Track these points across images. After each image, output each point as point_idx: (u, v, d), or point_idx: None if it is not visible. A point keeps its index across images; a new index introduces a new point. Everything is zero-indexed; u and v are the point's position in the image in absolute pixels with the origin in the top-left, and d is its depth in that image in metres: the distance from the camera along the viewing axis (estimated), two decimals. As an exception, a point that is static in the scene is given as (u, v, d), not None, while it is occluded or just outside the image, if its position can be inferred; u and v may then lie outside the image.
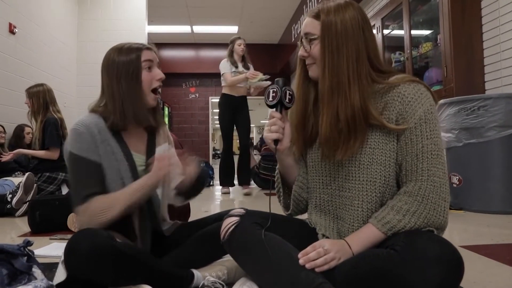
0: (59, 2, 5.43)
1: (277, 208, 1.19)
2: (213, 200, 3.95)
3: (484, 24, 3.08)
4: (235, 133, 4.31)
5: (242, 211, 1.08)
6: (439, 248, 0.84)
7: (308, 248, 0.94)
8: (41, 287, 1.03)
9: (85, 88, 5.86)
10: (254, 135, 20.20)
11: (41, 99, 3.23)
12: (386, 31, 4.44)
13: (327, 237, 1.09)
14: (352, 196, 1.04)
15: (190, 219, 2.05)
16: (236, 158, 4.45)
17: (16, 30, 4.28)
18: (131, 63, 1.26)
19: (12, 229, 2.48)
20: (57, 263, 1.16)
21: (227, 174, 4.33)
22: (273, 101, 1.08)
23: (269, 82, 2.99)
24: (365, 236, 0.97)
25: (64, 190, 3.18)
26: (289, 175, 1.20)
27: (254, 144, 6.88)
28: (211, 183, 5.37)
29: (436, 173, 0.96)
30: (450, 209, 2.71)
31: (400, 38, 4.07)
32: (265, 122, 18.00)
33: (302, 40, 1.07)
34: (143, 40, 5.99)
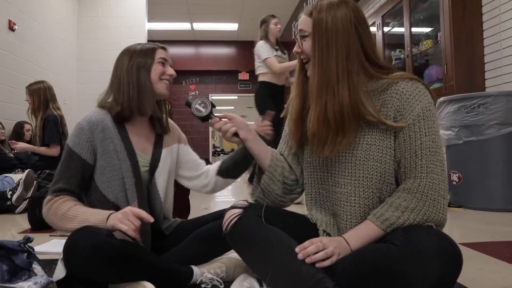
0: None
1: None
2: (213, 197, 3.95)
3: (485, 22, 3.07)
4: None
5: (245, 203, 1.08)
6: (438, 241, 0.85)
7: (306, 243, 0.95)
8: (41, 283, 1.03)
9: (85, 85, 5.86)
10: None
11: (41, 96, 3.23)
12: (386, 29, 4.43)
13: (328, 233, 1.09)
14: (348, 192, 1.05)
15: (190, 217, 2.05)
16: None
17: (16, 27, 4.27)
18: (146, 54, 1.29)
19: (12, 226, 2.49)
20: (57, 260, 1.16)
21: None
22: (207, 110, 1.17)
23: None
24: (364, 233, 0.98)
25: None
26: (262, 162, 1.18)
27: None
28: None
29: (435, 170, 0.97)
30: (450, 206, 2.72)
31: (400, 36, 4.06)
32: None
33: (297, 36, 1.09)
34: (143, 37, 5.98)
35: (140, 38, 5.89)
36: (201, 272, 1.22)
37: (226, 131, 1.14)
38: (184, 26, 8.55)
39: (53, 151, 3.16)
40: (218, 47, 9.40)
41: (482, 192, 2.71)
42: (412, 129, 0.98)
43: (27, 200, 2.83)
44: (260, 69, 3.58)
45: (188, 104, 1.18)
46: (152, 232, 1.27)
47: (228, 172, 1.41)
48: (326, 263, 0.92)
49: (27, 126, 4.08)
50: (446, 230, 1.01)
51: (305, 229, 1.11)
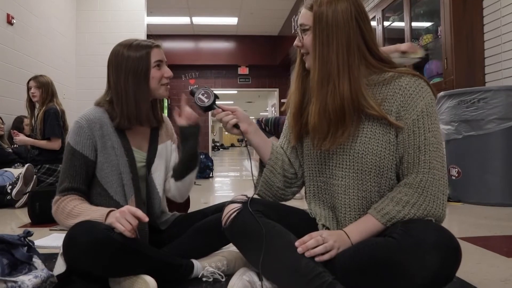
0: (57, -7, 5.39)
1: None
2: (213, 192, 3.96)
3: (485, 16, 3.06)
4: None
5: (245, 198, 1.08)
6: (437, 234, 0.86)
7: (305, 237, 0.95)
8: (42, 277, 1.03)
9: (84, 80, 5.85)
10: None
11: (50, 90, 3.22)
12: (386, 23, 4.42)
13: (327, 228, 1.10)
14: (346, 184, 1.05)
15: (190, 210, 2.06)
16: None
17: (14, 21, 4.25)
18: (140, 60, 1.26)
19: (12, 220, 2.50)
20: (57, 254, 1.16)
21: None
22: (209, 100, 1.18)
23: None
24: (364, 226, 0.98)
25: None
26: (262, 155, 1.20)
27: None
28: (211, 175, 5.38)
29: (436, 166, 0.97)
30: (449, 201, 2.73)
31: (400, 30, 4.05)
32: (264, 114, 18.01)
33: (298, 30, 1.08)
34: (142, 31, 5.96)
35: (139, 32, 5.86)
36: (202, 265, 1.23)
37: (227, 122, 1.14)
38: (184, 20, 8.51)
39: (54, 144, 3.15)
40: (218, 41, 9.37)
41: (481, 186, 2.72)
42: (416, 124, 0.99)
43: (27, 194, 2.83)
44: None
45: (193, 93, 1.20)
46: (149, 227, 1.27)
47: (177, 173, 1.39)
48: (325, 257, 0.92)
49: (26, 121, 4.07)
50: (445, 224, 1.01)
51: (304, 223, 1.11)
